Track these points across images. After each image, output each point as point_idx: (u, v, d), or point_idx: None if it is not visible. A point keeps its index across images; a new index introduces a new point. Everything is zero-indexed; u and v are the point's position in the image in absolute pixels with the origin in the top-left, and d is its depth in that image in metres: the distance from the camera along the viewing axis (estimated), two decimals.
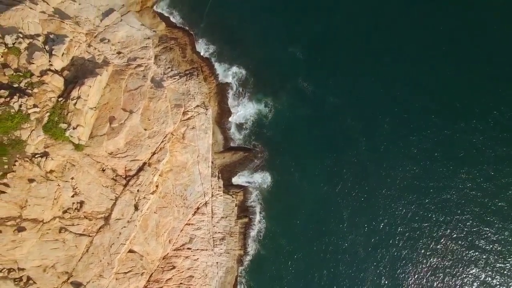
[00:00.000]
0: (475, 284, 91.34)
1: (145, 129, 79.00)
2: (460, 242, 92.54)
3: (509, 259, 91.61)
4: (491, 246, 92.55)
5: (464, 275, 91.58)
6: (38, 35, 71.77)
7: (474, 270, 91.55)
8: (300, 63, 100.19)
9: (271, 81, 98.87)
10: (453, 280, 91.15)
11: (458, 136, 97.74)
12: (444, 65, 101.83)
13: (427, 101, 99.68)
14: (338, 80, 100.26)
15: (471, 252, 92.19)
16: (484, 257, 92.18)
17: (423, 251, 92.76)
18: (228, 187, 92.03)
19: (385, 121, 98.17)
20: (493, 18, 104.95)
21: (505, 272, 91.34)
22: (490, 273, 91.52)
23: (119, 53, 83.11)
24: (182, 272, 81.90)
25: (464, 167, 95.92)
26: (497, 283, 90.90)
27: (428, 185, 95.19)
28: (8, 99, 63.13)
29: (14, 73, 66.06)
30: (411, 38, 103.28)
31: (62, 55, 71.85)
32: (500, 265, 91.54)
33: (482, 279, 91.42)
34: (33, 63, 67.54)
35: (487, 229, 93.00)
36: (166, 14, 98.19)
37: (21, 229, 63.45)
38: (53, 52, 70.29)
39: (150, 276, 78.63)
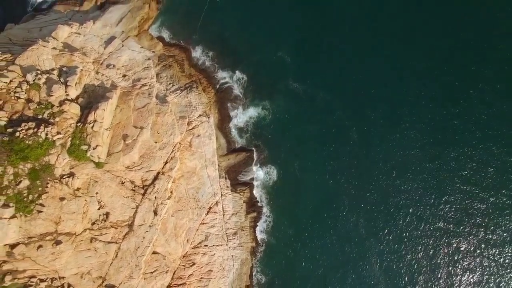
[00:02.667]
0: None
1: (156, 142, 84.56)
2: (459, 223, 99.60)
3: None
4: (486, 219, 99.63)
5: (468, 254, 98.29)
6: (53, 70, 77.49)
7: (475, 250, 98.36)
8: (288, 65, 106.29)
9: (264, 85, 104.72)
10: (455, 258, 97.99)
11: (446, 119, 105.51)
12: (430, 52, 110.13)
13: (412, 86, 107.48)
14: (325, 77, 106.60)
15: (470, 229, 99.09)
16: (481, 233, 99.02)
17: (422, 228, 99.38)
18: (235, 186, 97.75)
19: (373, 108, 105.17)
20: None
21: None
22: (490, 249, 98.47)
23: (124, 76, 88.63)
24: (202, 267, 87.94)
25: (457, 149, 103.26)
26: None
27: (421, 164, 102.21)
28: (36, 129, 68.76)
29: (38, 106, 71.71)
30: (389, 31, 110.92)
31: (76, 85, 77.57)
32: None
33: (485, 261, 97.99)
34: (52, 95, 73.29)
35: (481, 205, 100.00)
36: (162, 35, 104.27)
37: (58, 242, 69.26)
38: (67, 83, 76.02)
39: (174, 273, 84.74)
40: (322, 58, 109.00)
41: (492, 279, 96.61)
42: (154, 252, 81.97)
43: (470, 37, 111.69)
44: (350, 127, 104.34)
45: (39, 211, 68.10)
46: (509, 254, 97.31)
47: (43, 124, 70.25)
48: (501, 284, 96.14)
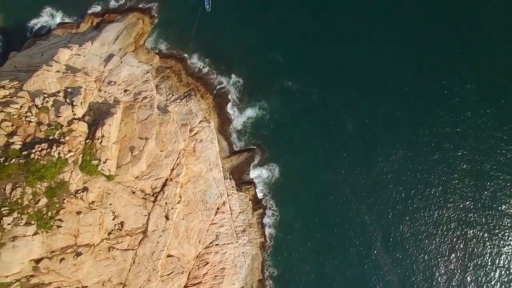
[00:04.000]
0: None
1: (161, 151, 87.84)
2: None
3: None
4: (480, 197, 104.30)
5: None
6: (59, 92, 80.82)
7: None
8: (282, 65, 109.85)
9: (260, 86, 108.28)
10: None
11: (434, 104, 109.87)
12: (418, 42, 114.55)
13: (399, 74, 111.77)
14: (317, 74, 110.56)
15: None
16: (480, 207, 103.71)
17: (422, 210, 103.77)
18: (240, 185, 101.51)
19: (366, 100, 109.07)
20: None
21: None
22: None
23: (125, 91, 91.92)
24: (215, 266, 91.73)
25: (451, 135, 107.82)
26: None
27: (415, 148, 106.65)
28: (49, 150, 72.24)
29: (48, 128, 75.17)
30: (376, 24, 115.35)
31: (81, 104, 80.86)
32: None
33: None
34: (61, 116, 76.75)
35: (472, 183, 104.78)
36: (158, 47, 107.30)
37: (79, 254, 72.70)
38: (73, 103, 79.36)
39: (189, 274, 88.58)
40: (313, 56, 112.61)
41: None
42: (169, 255, 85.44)
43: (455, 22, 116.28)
44: (345, 120, 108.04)
45: (59, 226, 71.47)
46: None
47: (55, 144, 73.58)
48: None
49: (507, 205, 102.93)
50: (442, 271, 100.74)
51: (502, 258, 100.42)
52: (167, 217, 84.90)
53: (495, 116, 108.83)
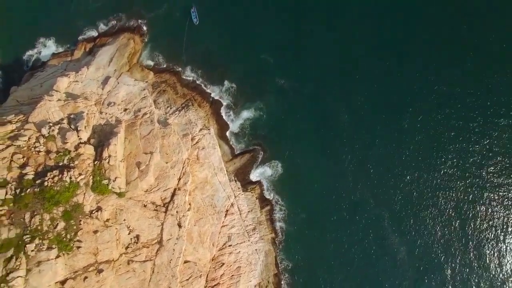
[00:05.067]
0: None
1: (167, 162, 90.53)
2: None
3: None
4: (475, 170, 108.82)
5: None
6: (62, 119, 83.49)
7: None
8: (272, 65, 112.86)
9: (254, 88, 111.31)
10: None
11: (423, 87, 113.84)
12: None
13: (389, 66, 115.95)
14: (308, 69, 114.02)
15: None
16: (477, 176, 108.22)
17: (422, 188, 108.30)
18: (246, 185, 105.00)
19: (357, 90, 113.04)
20: None
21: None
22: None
23: (125, 109, 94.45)
24: (230, 266, 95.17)
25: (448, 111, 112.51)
26: None
27: (411, 131, 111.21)
28: (60, 176, 75.10)
29: (57, 155, 78.10)
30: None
31: (85, 128, 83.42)
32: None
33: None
34: (67, 142, 79.51)
35: (462, 155, 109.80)
36: (151, 63, 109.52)
37: (100, 271, 75.51)
38: (78, 128, 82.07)
39: (207, 276, 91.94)
40: (301, 53, 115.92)
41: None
42: (185, 261, 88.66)
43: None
44: (339, 111, 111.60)
45: (78, 247, 74.39)
46: None
47: (65, 170, 76.43)
48: None
49: None
50: (445, 243, 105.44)
51: None
52: (179, 225, 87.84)
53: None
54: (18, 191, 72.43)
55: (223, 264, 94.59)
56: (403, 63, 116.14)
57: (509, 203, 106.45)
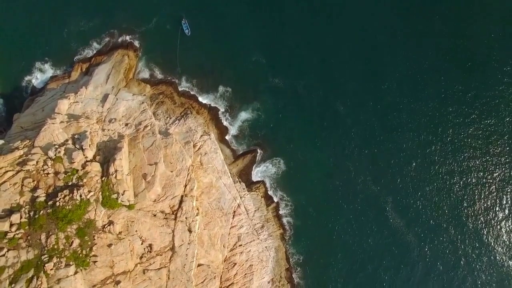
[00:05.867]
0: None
1: (171, 171, 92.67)
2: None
3: None
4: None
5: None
6: (67, 140, 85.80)
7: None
8: (265, 66, 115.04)
9: (249, 90, 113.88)
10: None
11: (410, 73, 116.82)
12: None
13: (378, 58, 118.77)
14: (300, 66, 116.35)
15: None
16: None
17: (421, 171, 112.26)
18: (250, 185, 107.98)
19: (350, 81, 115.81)
20: None
21: None
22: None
23: (126, 124, 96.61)
24: (243, 265, 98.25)
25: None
26: None
27: (403, 115, 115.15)
28: (71, 195, 77.56)
29: (65, 175, 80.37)
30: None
31: (89, 146, 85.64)
32: None
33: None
34: (74, 162, 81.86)
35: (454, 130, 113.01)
36: (147, 77, 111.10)
37: (118, 282, 78.15)
38: (83, 147, 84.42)
39: (221, 277, 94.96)
40: (291, 51, 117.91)
41: None
42: (199, 265, 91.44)
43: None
44: (334, 103, 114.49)
45: (95, 261, 76.94)
46: None
47: (75, 188, 78.75)
48: None
49: None
50: (447, 220, 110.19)
51: None
52: (190, 230, 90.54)
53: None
54: (32, 213, 74.81)
55: (235, 264, 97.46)
56: (393, 50, 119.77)
57: None
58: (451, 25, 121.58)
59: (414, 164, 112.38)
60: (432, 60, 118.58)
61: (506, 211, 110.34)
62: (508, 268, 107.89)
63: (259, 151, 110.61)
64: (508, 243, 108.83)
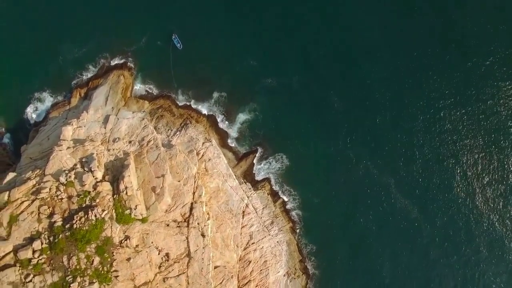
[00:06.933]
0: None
1: (179, 181, 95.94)
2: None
3: None
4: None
5: None
6: (76, 164, 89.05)
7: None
8: (256, 67, 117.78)
9: (244, 92, 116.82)
10: None
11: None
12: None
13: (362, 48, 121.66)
14: (290, 64, 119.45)
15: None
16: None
17: (419, 151, 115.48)
18: (256, 184, 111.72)
19: (339, 72, 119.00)
20: None
21: None
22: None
23: (130, 142, 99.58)
24: (257, 262, 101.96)
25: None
26: None
27: (402, 103, 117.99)
28: (86, 216, 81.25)
29: (78, 198, 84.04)
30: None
31: (98, 167, 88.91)
32: None
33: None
34: (85, 184, 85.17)
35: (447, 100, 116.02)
36: (144, 93, 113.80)
37: None
38: (92, 169, 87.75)
39: (238, 276, 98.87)
40: (282, 49, 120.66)
41: None
42: (215, 267, 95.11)
43: None
44: (328, 94, 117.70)
45: (116, 276, 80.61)
46: None
47: (89, 209, 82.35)
48: None
49: None
50: (447, 192, 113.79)
51: None
52: (203, 235, 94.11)
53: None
54: (51, 238, 78.64)
55: (250, 261, 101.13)
56: (382, 33, 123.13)
57: None
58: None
59: (415, 148, 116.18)
60: (422, 42, 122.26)
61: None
62: None
63: (260, 149, 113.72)
64: None
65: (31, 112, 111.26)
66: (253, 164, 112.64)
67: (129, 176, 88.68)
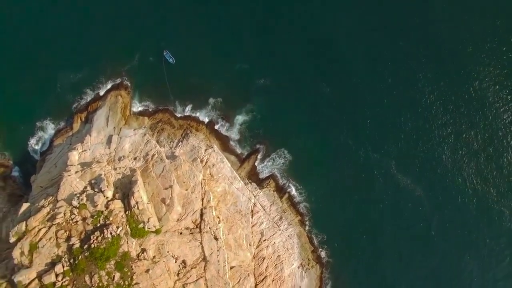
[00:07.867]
0: None
1: (186, 189, 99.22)
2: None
3: None
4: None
5: None
6: (86, 187, 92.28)
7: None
8: (249, 70, 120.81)
9: (239, 95, 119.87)
10: None
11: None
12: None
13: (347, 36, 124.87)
14: (280, 62, 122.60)
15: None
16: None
17: (417, 132, 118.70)
18: (261, 183, 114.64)
19: (330, 65, 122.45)
20: None
21: None
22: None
23: (135, 158, 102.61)
24: (271, 257, 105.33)
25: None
26: None
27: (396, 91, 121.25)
28: (102, 235, 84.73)
29: (92, 219, 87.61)
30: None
31: (107, 187, 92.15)
32: None
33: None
34: (97, 204, 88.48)
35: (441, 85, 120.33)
36: (143, 110, 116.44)
37: None
38: (102, 189, 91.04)
39: (254, 274, 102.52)
40: (271, 50, 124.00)
41: None
42: (231, 267, 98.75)
43: None
44: (320, 87, 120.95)
45: None
46: None
47: (104, 228, 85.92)
48: None
49: None
50: (448, 171, 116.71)
51: None
52: (216, 238, 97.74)
53: None
54: (72, 260, 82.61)
55: (264, 258, 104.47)
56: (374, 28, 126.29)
57: None
58: None
59: (412, 133, 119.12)
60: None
61: None
62: None
63: (262, 148, 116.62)
64: None
65: (36, 143, 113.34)
66: (256, 164, 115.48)
67: (138, 191, 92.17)
